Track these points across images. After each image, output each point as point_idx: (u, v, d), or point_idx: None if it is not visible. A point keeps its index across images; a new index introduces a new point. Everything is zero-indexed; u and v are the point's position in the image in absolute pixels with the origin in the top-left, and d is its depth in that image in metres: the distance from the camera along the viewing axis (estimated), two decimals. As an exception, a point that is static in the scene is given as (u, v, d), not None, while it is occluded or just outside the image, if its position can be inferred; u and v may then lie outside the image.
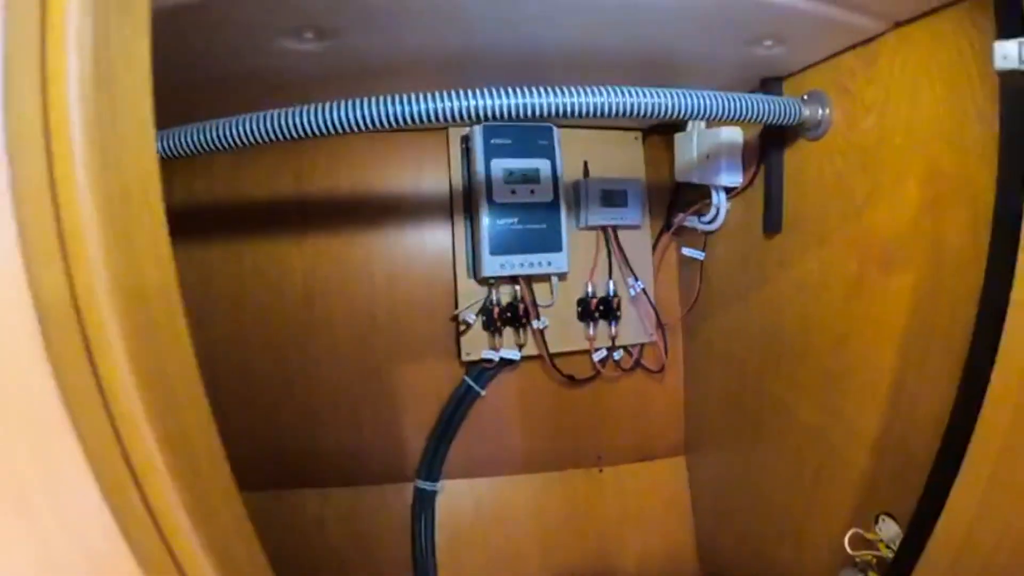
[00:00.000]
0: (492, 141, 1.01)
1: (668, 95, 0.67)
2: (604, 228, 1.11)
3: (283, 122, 0.62)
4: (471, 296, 1.07)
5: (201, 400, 0.32)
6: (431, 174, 1.08)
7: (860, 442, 0.72)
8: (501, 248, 1.02)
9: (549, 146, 1.04)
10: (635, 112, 0.66)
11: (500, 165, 1.02)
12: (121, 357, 0.25)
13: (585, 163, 1.11)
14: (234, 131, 0.62)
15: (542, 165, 1.04)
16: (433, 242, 1.09)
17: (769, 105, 0.73)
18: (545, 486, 1.16)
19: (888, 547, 0.65)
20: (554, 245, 1.05)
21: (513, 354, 1.08)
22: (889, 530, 0.66)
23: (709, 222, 1.02)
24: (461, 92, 0.62)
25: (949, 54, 0.60)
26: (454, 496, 1.12)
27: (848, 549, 0.66)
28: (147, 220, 0.29)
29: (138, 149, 0.29)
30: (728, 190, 0.98)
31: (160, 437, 0.27)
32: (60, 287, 0.24)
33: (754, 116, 0.72)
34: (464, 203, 1.07)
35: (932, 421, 0.57)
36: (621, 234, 1.12)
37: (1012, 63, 0.41)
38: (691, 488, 1.18)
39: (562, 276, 1.08)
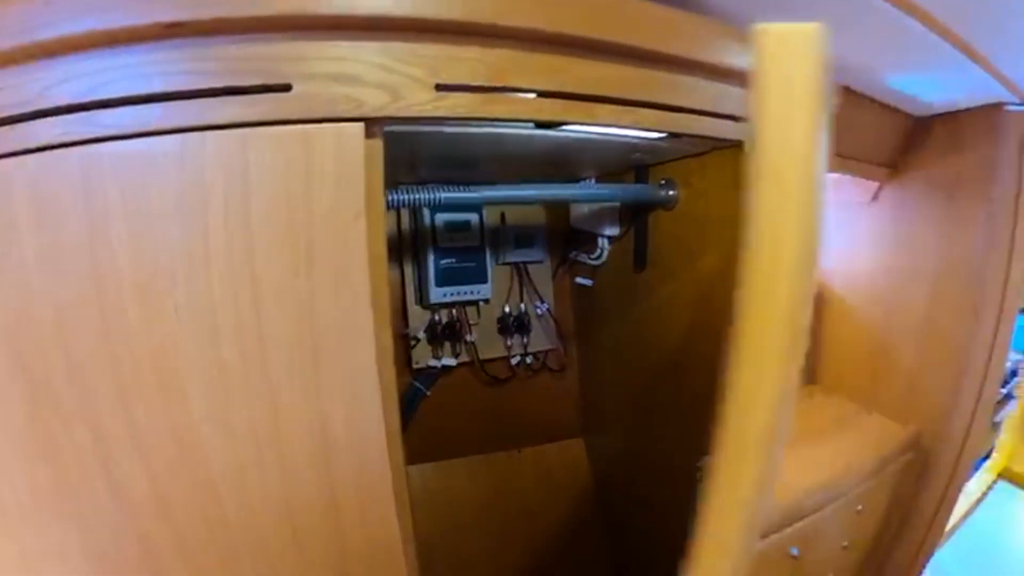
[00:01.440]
0: (437, 201, 1.32)
1: (569, 188, 1.02)
2: (517, 264, 1.46)
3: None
4: (418, 318, 1.37)
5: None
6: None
7: (701, 404, 1.12)
8: (443, 281, 1.33)
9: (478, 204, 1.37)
10: (546, 202, 1.01)
11: (442, 219, 1.33)
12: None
13: (503, 214, 1.44)
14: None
15: (472, 218, 1.36)
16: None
17: (638, 191, 1.11)
18: (477, 466, 1.47)
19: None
20: (481, 278, 1.38)
21: (451, 362, 1.39)
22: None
23: (596, 259, 1.39)
24: (444, 187, 0.93)
25: (734, 171, 0.99)
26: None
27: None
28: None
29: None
30: (609, 237, 1.35)
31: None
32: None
33: (629, 198, 1.10)
34: (412, 245, 1.37)
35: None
36: (530, 267, 1.47)
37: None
38: (589, 458, 1.55)
39: (486, 301, 1.41)
